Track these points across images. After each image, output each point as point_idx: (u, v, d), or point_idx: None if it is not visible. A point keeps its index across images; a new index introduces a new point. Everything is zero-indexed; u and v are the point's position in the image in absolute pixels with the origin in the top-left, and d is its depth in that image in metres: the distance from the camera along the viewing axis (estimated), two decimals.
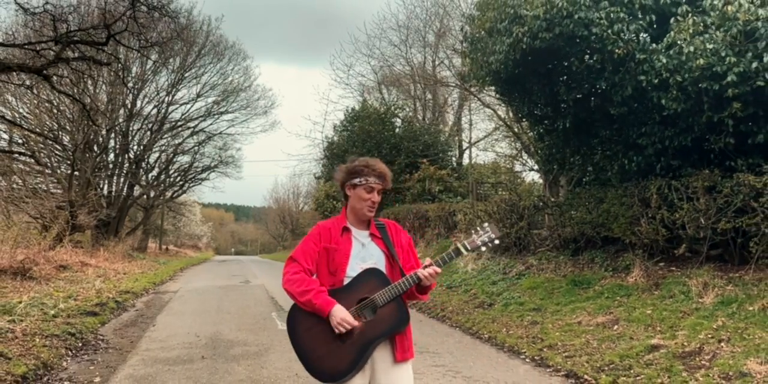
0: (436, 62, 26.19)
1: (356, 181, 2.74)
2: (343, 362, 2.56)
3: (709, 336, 5.77)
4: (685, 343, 5.75)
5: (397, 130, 23.57)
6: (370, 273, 2.66)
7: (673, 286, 7.45)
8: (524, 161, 20.66)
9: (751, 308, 6.08)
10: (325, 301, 2.57)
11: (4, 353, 5.44)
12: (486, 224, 2.79)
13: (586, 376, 5.44)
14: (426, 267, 2.64)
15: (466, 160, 25.21)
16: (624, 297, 7.78)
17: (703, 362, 5.29)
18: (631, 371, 5.36)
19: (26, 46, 10.11)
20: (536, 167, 17.10)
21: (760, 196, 6.72)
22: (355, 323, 2.55)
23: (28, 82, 12.21)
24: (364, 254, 2.73)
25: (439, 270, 2.66)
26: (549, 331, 7.15)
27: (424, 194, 20.54)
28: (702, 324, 6.09)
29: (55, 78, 10.53)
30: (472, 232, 2.81)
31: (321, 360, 2.59)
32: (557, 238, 11.03)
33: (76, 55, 10.16)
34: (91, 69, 13.29)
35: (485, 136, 24.35)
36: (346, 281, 2.66)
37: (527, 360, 6.28)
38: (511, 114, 16.16)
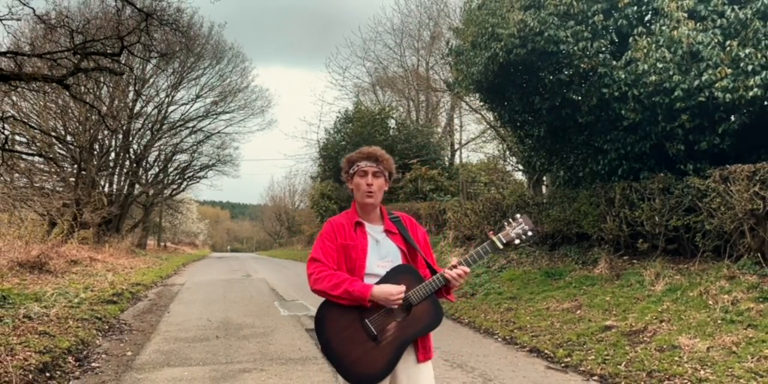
0: (430, 64, 27.12)
1: (351, 170, 2.63)
2: (378, 364, 2.41)
3: (654, 317, 6.71)
4: (633, 324, 6.69)
5: (390, 131, 24.41)
6: (403, 270, 2.52)
7: (631, 276, 8.40)
8: (510, 162, 21.61)
9: (691, 294, 7.03)
10: (362, 286, 2.42)
11: (48, 332, 6.35)
12: (518, 215, 2.56)
13: (546, 351, 6.39)
14: (453, 268, 2.48)
15: (457, 160, 26.16)
16: (589, 286, 8.72)
17: (645, 338, 6.24)
18: (585, 346, 6.31)
19: (46, 56, 10.95)
20: (521, 167, 18.02)
21: (704, 196, 7.67)
22: (403, 289, 2.42)
23: (44, 90, 13.04)
24: (380, 251, 2.58)
25: (467, 270, 2.49)
26: (521, 316, 8.09)
27: (417, 193, 21.49)
28: (650, 308, 7.04)
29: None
30: (505, 224, 2.59)
31: (355, 364, 2.43)
32: (536, 235, 11.97)
33: (92, 65, 11.01)
34: (104, 76, 14.14)
35: (475, 137, 25.31)
36: (366, 279, 2.50)
37: (499, 339, 7.23)
38: (494, 117, 17.09)
